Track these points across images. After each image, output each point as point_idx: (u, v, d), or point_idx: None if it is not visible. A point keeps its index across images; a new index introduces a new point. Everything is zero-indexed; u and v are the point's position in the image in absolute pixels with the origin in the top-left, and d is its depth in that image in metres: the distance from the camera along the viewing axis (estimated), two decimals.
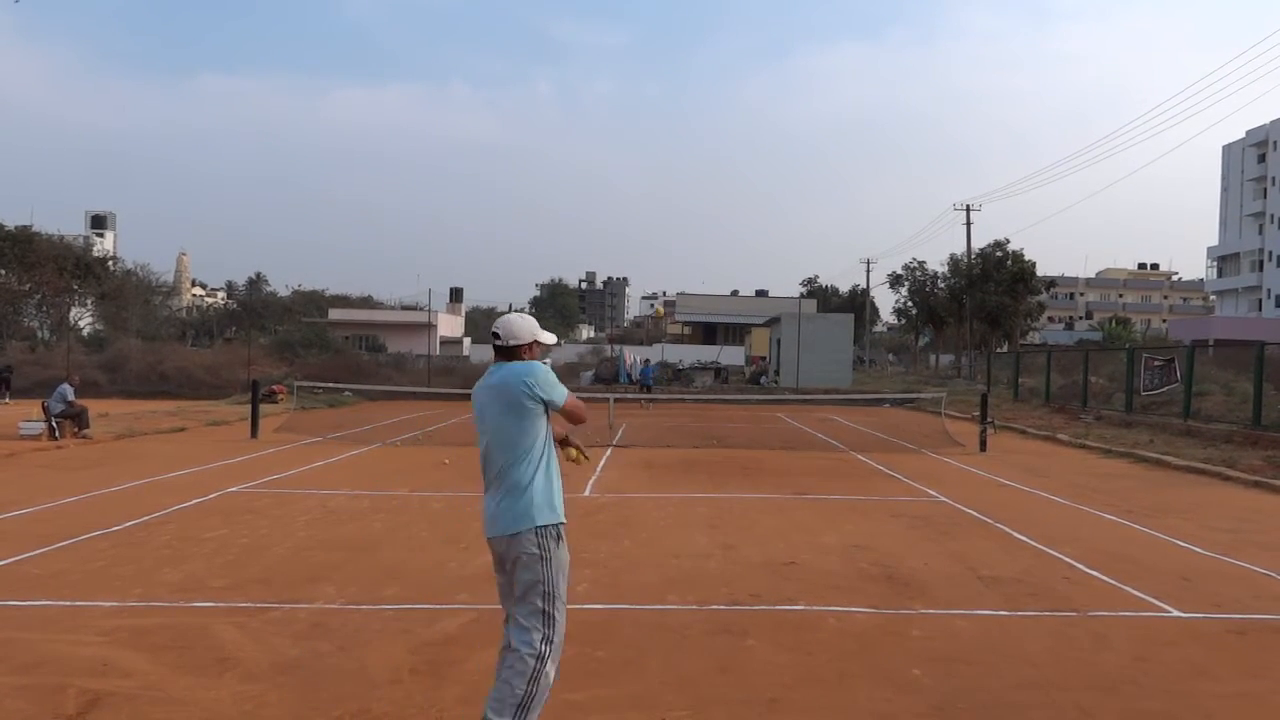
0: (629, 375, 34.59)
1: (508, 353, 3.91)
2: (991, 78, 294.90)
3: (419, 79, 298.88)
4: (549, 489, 3.84)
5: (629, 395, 29.18)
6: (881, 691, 4.76)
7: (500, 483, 3.82)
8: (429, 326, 49.66)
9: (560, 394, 3.86)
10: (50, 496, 10.44)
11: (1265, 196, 71.75)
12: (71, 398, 16.84)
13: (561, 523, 3.86)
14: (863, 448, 17.53)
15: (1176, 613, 6.35)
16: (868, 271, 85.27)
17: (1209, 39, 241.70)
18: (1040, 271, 55.62)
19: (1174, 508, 10.90)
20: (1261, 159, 72.33)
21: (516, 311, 4.00)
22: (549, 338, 4.06)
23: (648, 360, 33.63)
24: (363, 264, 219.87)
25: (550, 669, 3.72)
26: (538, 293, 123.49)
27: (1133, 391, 22.68)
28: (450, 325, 61.86)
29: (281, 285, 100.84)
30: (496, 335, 3.92)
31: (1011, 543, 8.69)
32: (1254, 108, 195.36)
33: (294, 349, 41.28)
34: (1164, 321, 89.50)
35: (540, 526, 3.76)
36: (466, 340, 62.73)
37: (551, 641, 3.73)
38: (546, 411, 3.87)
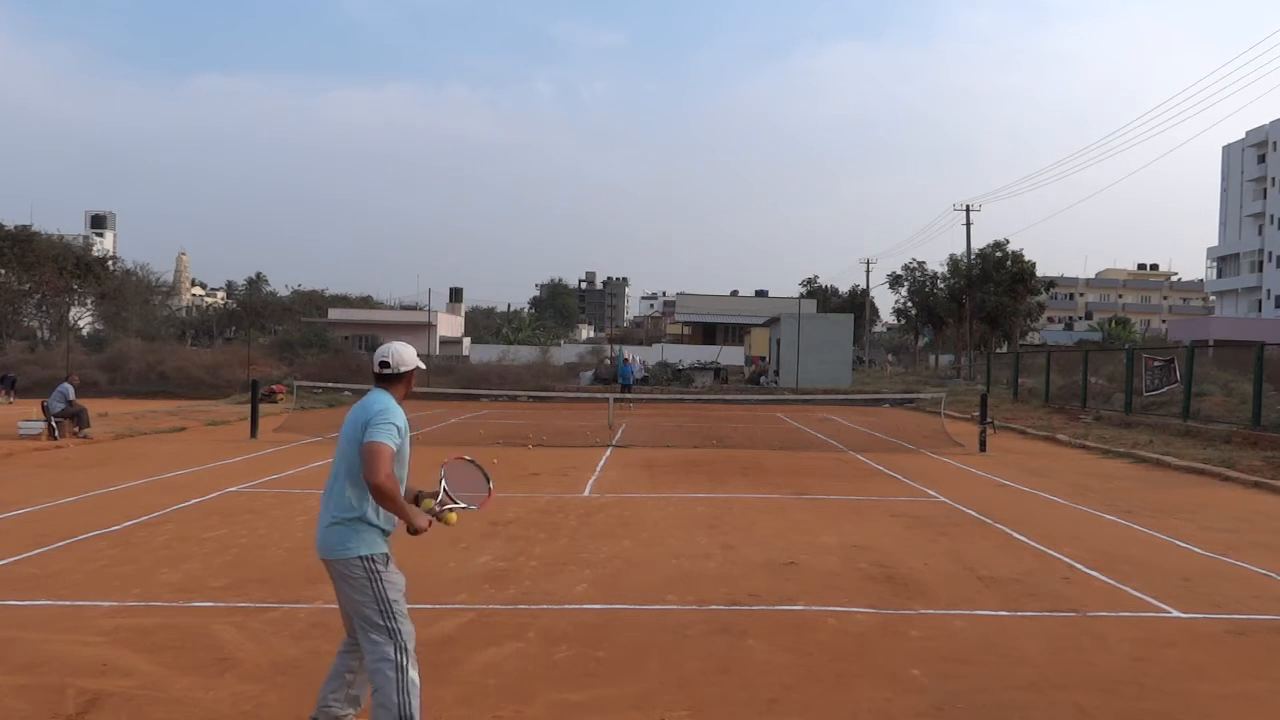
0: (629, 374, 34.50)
1: (390, 380, 4.00)
2: (991, 77, 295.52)
3: (418, 79, 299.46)
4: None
5: (626, 396, 29.19)
6: (881, 691, 4.77)
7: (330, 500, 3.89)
8: (429, 326, 49.69)
9: (377, 433, 3.74)
10: (50, 496, 10.44)
11: (1265, 197, 71.74)
12: (72, 397, 16.84)
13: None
14: (862, 448, 17.53)
15: (1176, 613, 6.35)
16: (867, 272, 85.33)
17: (1209, 39, 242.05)
18: (1040, 272, 55.64)
19: (1174, 508, 10.90)
20: (1261, 159, 72.31)
21: (391, 342, 4.09)
22: (420, 364, 4.14)
23: (628, 359, 33.52)
24: (363, 264, 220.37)
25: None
26: (538, 293, 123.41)
27: (1132, 392, 22.68)
28: (450, 325, 61.88)
29: (281, 285, 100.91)
30: (386, 364, 3.98)
31: (1011, 543, 8.69)
32: (1254, 108, 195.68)
33: (294, 349, 41.28)
34: (1164, 322, 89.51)
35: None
36: (466, 340, 62.73)
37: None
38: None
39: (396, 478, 3.77)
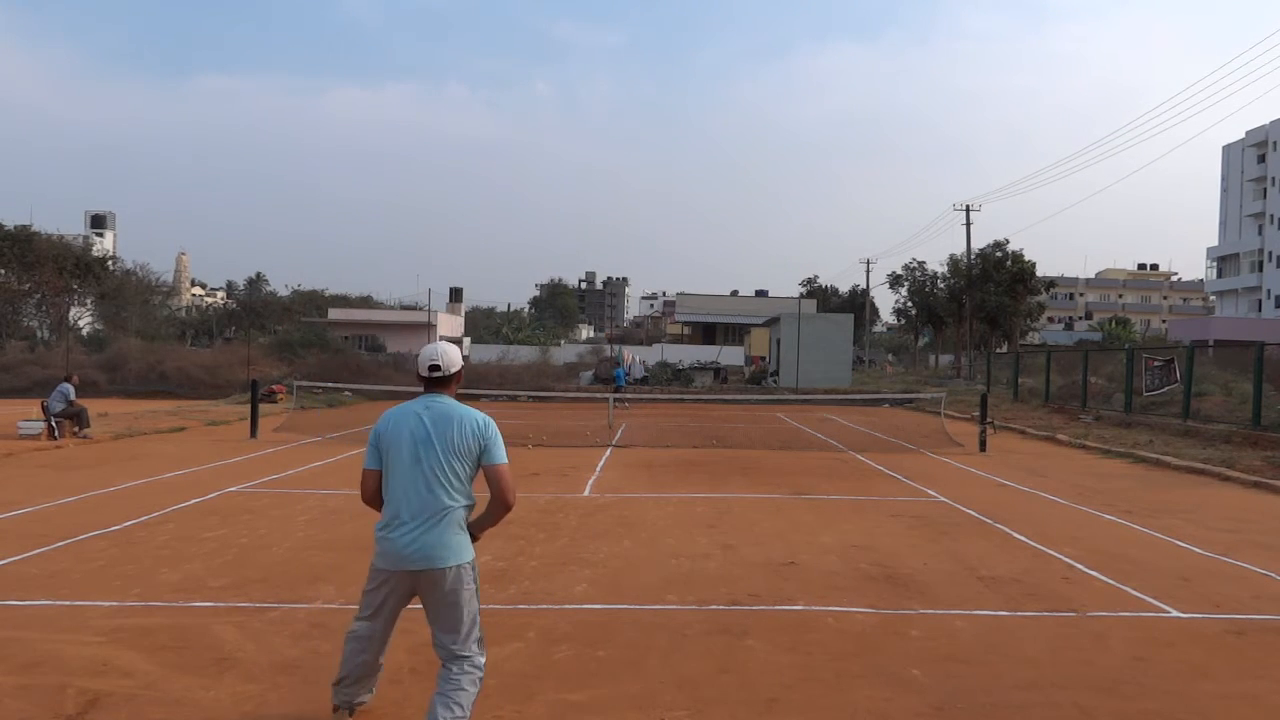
0: (626, 374, 34.54)
1: (444, 382, 3.98)
2: (991, 78, 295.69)
3: (417, 79, 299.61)
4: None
5: (625, 396, 29.21)
6: (881, 691, 4.77)
7: (438, 514, 3.85)
8: (429, 326, 49.68)
9: (503, 453, 3.95)
10: (50, 496, 10.44)
11: (1265, 197, 71.72)
12: (72, 397, 16.83)
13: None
14: (862, 448, 17.53)
15: (1176, 613, 6.35)
16: (867, 271, 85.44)
17: (1209, 39, 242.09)
18: (1040, 272, 55.59)
19: (1173, 508, 10.90)
20: (1261, 159, 72.29)
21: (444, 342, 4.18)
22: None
23: (618, 362, 33.80)
24: (363, 264, 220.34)
25: None
26: (538, 292, 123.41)
27: (1132, 392, 22.68)
28: (450, 325, 61.81)
29: (281, 285, 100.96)
30: (436, 367, 3.94)
31: (1011, 543, 8.69)
32: (1254, 108, 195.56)
33: (293, 349, 41.20)
34: (1164, 322, 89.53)
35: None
36: (466, 340, 62.73)
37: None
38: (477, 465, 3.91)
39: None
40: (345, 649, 4.12)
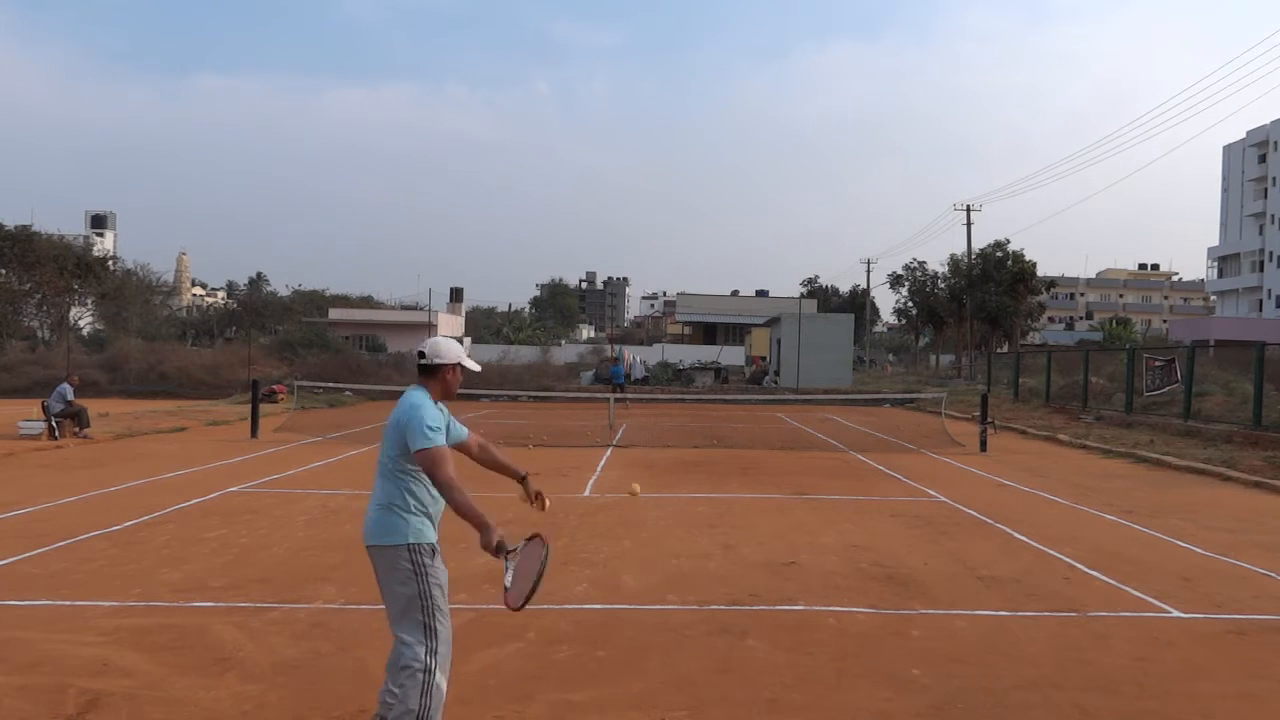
0: (625, 374, 34.56)
1: (427, 371, 3.94)
2: (992, 77, 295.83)
3: (417, 79, 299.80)
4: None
5: (626, 396, 29.23)
6: (881, 691, 4.76)
7: (375, 494, 3.90)
8: (429, 326, 49.67)
9: (417, 440, 3.69)
10: (50, 496, 10.44)
11: (1265, 197, 71.66)
12: (71, 397, 16.83)
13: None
14: (863, 448, 17.53)
15: (1176, 613, 6.35)
16: (868, 271, 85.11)
17: (1209, 39, 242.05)
18: (1040, 271, 55.57)
19: (1174, 508, 10.89)
20: (1262, 159, 72.22)
21: (440, 336, 3.97)
22: (474, 366, 4.08)
23: (616, 360, 33.95)
24: (363, 264, 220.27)
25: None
26: (538, 293, 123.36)
27: (1133, 392, 22.67)
28: (450, 325, 61.80)
29: (281, 285, 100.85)
30: (421, 354, 3.94)
31: (1011, 543, 8.68)
32: (1254, 108, 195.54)
33: (294, 349, 41.22)
34: (1164, 322, 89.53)
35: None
36: (467, 340, 62.67)
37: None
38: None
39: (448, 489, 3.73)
40: None
